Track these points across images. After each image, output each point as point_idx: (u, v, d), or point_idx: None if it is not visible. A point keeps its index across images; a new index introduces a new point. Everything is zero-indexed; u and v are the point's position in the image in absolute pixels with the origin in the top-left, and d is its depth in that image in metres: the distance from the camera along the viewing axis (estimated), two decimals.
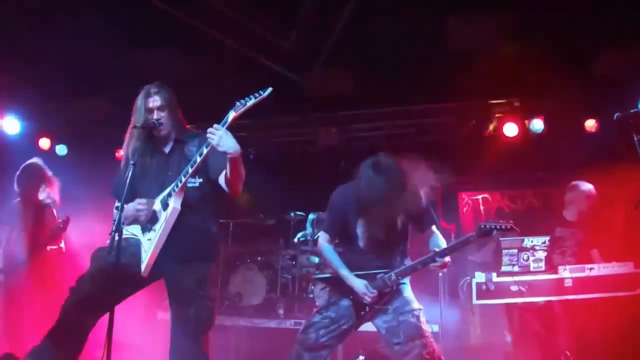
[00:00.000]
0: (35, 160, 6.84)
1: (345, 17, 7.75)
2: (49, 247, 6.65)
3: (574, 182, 7.31)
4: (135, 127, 4.67)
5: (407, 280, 5.08)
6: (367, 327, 5.14)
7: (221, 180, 4.62)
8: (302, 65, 8.67)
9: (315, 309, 5.30)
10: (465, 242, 4.89)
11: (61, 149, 9.96)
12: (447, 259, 4.88)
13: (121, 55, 7.86)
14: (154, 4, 7.27)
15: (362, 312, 4.99)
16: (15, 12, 7.02)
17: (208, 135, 4.22)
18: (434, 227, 5.13)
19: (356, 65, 8.61)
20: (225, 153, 4.25)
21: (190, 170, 4.44)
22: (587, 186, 7.22)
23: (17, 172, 6.73)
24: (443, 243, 5.02)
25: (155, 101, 4.72)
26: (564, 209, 7.30)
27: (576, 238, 7.12)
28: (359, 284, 4.96)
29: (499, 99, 9.20)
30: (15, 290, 6.41)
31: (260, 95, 4.13)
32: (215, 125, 4.21)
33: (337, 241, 5.28)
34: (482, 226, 4.82)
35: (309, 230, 9.66)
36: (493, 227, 4.78)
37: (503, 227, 4.77)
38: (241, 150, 4.30)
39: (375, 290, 4.92)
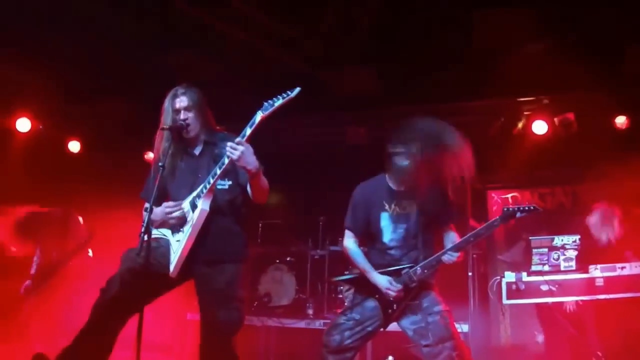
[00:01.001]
0: None
1: (371, 14, 7.73)
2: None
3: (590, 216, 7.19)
4: (163, 128, 4.69)
5: (434, 281, 5.05)
6: (397, 327, 5.12)
7: (248, 188, 4.64)
8: (329, 64, 8.66)
9: (339, 311, 5.28)
10: (489, 227, 4.85)
11: (75, 146, 9.87)
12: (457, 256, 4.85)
13: (148, 57, 7.90)
14: (178, 6, 7.27)
15: (390, 310, 4.96)
16: (39, 12, 7.07)
17: (228, 150, 4.24)
18: (451, 225, 5.11)
19: (383, 64, 8.57)
20: (244, 168, 4.28)
21: (218, 172, 4.45)
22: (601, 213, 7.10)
23: None
24: (457, 239, 4.99)
25: (182, 102, 4.73)
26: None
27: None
28: (382, 280, 4.94)
29: (528, 96, 9.10)
30: (47, 293, 6.49)
31: (288, 95, 4.12)
32: (237, 140, 4.22)
33: (363, 239, 5.27)
34: (506, 209, 4.79)
35: None
36: (516, 209, 4.75)
37: (526, 208, 4.73)
38: (261, 166, 4.35)
39: (399, 285, 4.89)
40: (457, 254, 4.83)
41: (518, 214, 4.76)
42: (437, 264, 4.90)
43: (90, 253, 6.94)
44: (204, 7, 7.47)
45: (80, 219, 6.92)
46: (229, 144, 4.22)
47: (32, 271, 6.52)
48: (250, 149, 4.25)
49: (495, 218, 4.84)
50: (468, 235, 4.87)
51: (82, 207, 6.98)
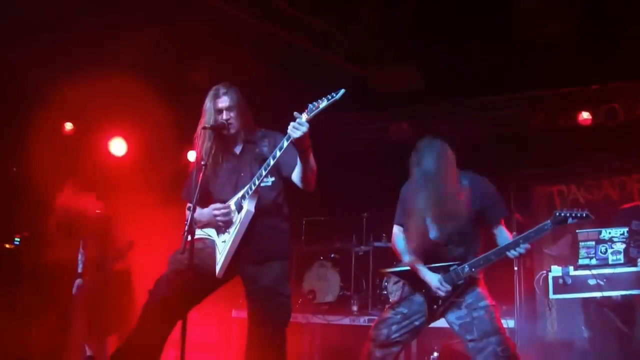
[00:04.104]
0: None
1: (411, 8, 7.69)
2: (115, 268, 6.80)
3: None
4: (204, 127, 4.73)
5: (480, 275, 5.01)
6: (442, 323, 5.10)
7: (294, 177, 4.66)
8: (370, 60, 8.64)
9: (387, 305, 5.27)
10: (539, 231, 4.71)
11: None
12: (527, 247, 4.74)
13: (189, 59, 7.97)
14: (214, 6, 7.31)
15: (435, 307, 4.94)
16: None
17: (290, 128, 4.23)
18: (501, 221, 5.02)
19: (424, 58, 8.52)
20: (299, 143, 4.29)
21: (263, 174, 4.49)
22: None
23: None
24: (508, 237, 4.91)
25: (223, 102, 4.77)
26: None
27: None
28: (432, 278, 4.92)
29: (572, 87, 8.97)
30: (95, 292, 6.58)
31: (332, 97, 4.09)
32: (298, 120, 4.21)
33: (411, 235, 5.24)
34: (557, 214, 4.66)
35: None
36: (568, 215, 4.62)
37: (578, 214, 4.61)
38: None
39: (449, 286, 4.86)
40: (525, 246, 4.73)
41: (570, 220, 4.64)
42: (485, 264, 4.85)
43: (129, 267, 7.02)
44: (241, 6, 7.50)
45: (120, 226, 6.98)
46: (292, 123, 4.22)
47: (79, 270, 6.62)
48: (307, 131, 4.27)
49: (546, 222, 4.69)
50: (517, 237, 4.78)
51: (123, 208, 7.04)
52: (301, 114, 4.21)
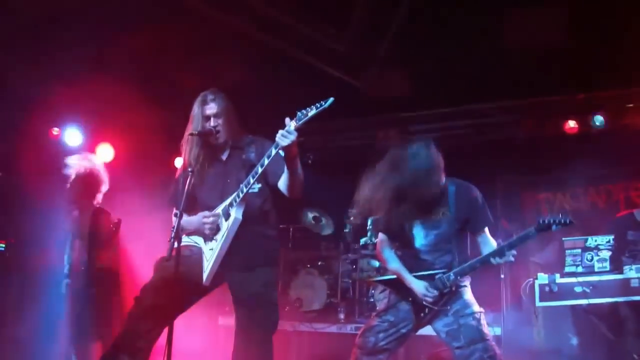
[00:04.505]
0: (91, 164, 6.87)
1: (401, 16, 7.71)
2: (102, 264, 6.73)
3: None
4: (192, 134, 4.72)
5: (467, 282, 5.01)
6: (429, 330, 5.11)
7: (281, 185, 4.65)
8: (359, 67, 8.65)
9: (374, 313, 5.27)
10: (523, 237, 4.73)
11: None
12: (513, 253, 4.75)
13: (178, 64, 7.95)
14: (204, 12, 7.31)
15: (422, 314, 4.94)
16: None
17: (278, 137, 4.21)
18: (486, 229, 5.03)
19: (413, 65, 8.54)
20: (288, 149, 4.26)
21: (251, 181, 4.47)
22: None
23: (73, 178, 6.76)
24: (492, 244, 4.92)
25: (211, 108, 4.76)
26: (637, 208, 7.11)
27: None
28: (418, 285, 4.91)
29: (559, 95, 9.02)
30: (81, 292, 6.52)
31: (321, 105, 4.09)
32: (287, 128, 4.20)
33: (396, 244, 5.25)
34: (541, 221, 4.68)
35: (370, 234, 9.62)
36: (552, 221, 4.64)
37: (562, 220, 4.63)
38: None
39: (435, 292, 4.86)
40: (511, 253, 4.74)
41: (554, 227, 4.66)
42: (470, 271, 4.86)
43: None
44: (231, 12, 7.49)
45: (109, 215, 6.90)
46: (280, 131, 4.21)
47: (66, 270, 6.57)
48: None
49: (529, 229, 4.71)
50: (502, 244, 4.81)
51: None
52: (290, 121, 4.21)
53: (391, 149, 4.98)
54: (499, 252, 4.74)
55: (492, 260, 4.74)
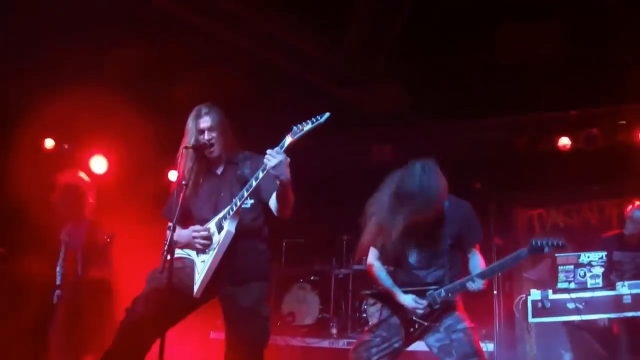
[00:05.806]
0: (79, 176, 6.86)
1: (396, 32, 7.74)
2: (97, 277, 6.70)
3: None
4: (186, 147, 4.72)
5: (459, 299, 5.01)
6: (422, 345, 5.08)
7: (271, 203, 4.64)
8: (353, 81, 8.66)
9: (366, 328, 5.25)
10: (515, 258, 4.74)
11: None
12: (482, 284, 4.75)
13: (172, 77, 7.96)
14: (199, 25, 7.32)
15: (412, 329, 4.92)
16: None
17: (266, 156, 4.21)
18: (476, 246, 5.03)
19: (408, 81, 8.57)
20: (276, 177, 4.26)
21: (245, 194, 4.45)
22: None
23: (61, 191, 6.73)
24: (480, 262, 4.93)
25: (205, 122, 4.76)
26: (625, 227, 7.14)
27: (636, 262, 6.93)
28: (406, 299, 4.90)
29: (552, 112, 9.06)
30: (73, 304, 6.50)
31: (317, 120, 4.08)
32: (276, 149, 4.20)
33: (388, 259, 5.23)
34: (534, 243, 4.69)
35: None
36: (544, 244, 4.66)
37: (554, 243, 4.65)
38: (291, 178, 4.31)
39: (424, 302, 4.85)
40: (482, 282, 4.76)
41: (546, 249, 4.67)
42: (462, 289, 4.85)
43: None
44: (225, 26, 7.50)
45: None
46: (268, 151, 4.20)
47: (58, 282, 6.55)
48: (287, 160, 4.23)
49: (522, 250, 4.72)
50: (494, 264, 4.81)
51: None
52: (285, 136, 4.20)
53: (396, 175, 4.93)
54: (490, 272, 4.80)
55: (470, 286, 4.75)
